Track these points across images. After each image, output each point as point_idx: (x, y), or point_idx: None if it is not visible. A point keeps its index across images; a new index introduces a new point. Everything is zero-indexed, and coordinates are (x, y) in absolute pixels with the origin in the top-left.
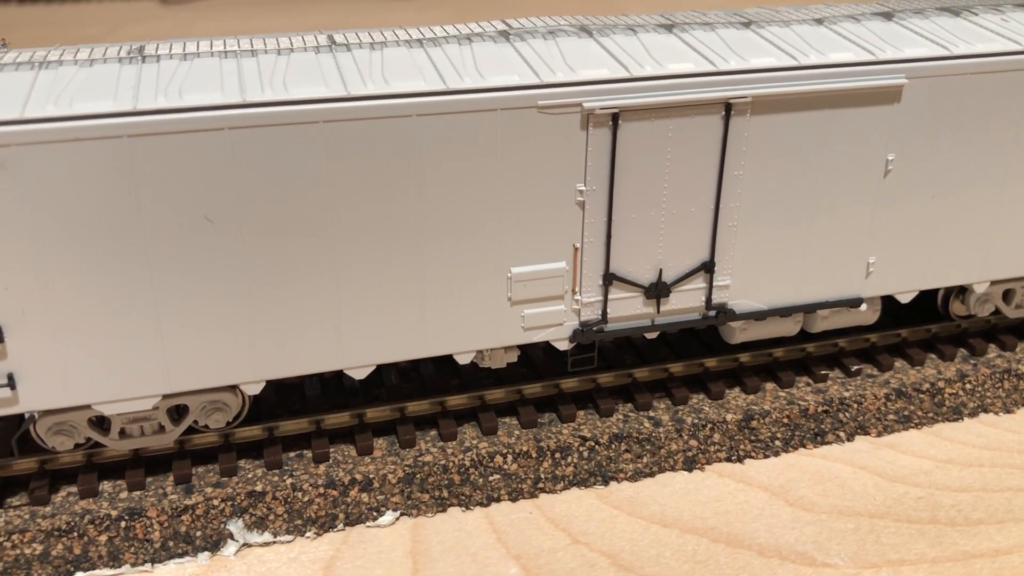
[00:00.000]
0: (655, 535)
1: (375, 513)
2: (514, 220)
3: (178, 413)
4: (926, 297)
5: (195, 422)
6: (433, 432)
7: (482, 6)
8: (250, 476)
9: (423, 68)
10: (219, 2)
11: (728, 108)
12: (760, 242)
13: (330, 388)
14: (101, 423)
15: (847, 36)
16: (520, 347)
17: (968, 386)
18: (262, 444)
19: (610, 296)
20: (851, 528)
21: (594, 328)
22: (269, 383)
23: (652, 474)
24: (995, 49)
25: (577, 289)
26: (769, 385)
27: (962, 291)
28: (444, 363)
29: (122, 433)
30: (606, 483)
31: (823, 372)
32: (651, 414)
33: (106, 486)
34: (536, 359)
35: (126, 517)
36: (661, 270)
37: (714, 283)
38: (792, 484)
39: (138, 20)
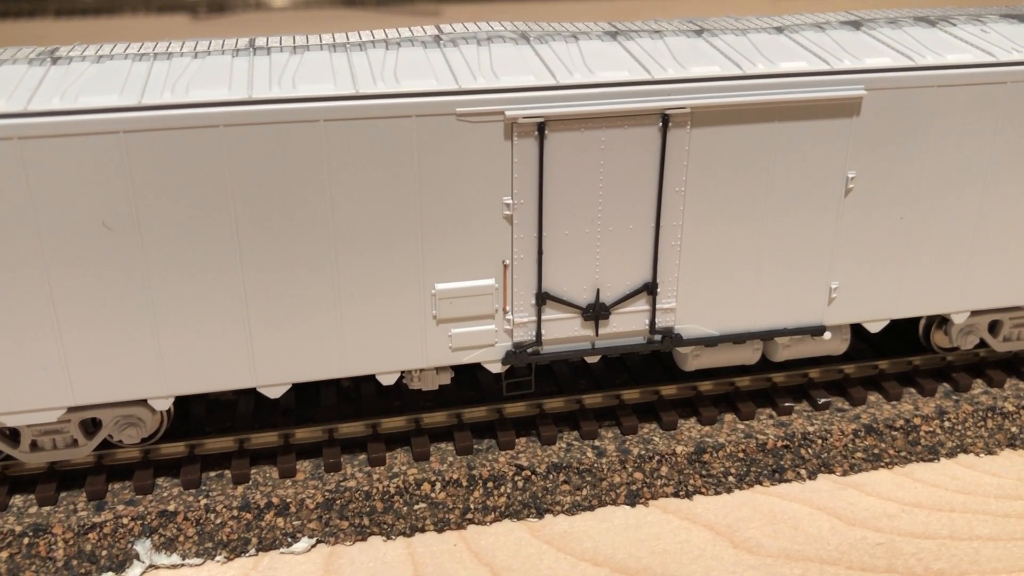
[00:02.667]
0: (582, 574)
1: (290, 539)
2: (436, 234)
3: (94, 426)
4: (910, 327)
5: (110, 436)
6: (363, 456)
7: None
8: (165, 495)
9: (338, 72)
10: (249, 16)
11: (665, 119)
12: (708, 263)
13: (264, 406)
14: (15, 436)
15: (805, 45)
16: (463, 368)
17: (947, 424)
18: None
19: (544, 316)
20: (797, 575)
21: (528, 350)
22: (199, 398)
23: (591, 508)
24: (965, 60)
25: (508, 308)
26: (728, 416)
27: (944, 321)
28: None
29: (33, 446)
30: (540, 516)
31: (787, 404)
32: (596, 443)
33: (17, 500)
34: (485, 381)
35: (30, 533)
36: (599, 290)
37: (657, 306)
38: (741, 524)
39: (169, 34)
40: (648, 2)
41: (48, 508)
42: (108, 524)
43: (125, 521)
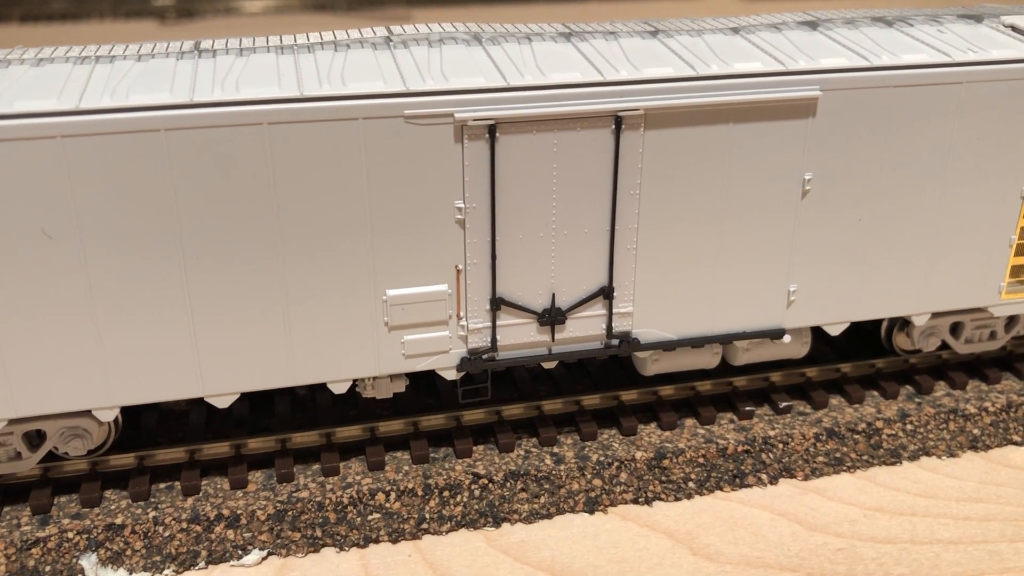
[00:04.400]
0: None
1: (240, 551)
2: (387, 239)
3: (39, 438)
4: (872, 330)
5: (55, 448)
6: (317, 466)
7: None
8: (113, 508)
9: (284, 75)
10: (218, 23)
11: (618, 121)
12: (665, 267)
13: (217, 417)
14: None
15: (760, 46)
16: (420, 375)
17: (909, 427)
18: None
19: (499, 322)
20: None
21: (483, 356)
22: (151, 408)
23: (549, 516)
24: (921, 60)
25: (462, 314)
26: (689, 421)
27: (906, 324)
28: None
29: None
30: (497, 525)
31: (748, 408)
32: (555, 450)
33: None
34: (444, 388)
35: None
36: (554, 295)
37: (614, 310)
38: (701, 530)
39: (135, 39)
40: (618, 4)
41: None
42: (52, 539)
43: (70, 535)
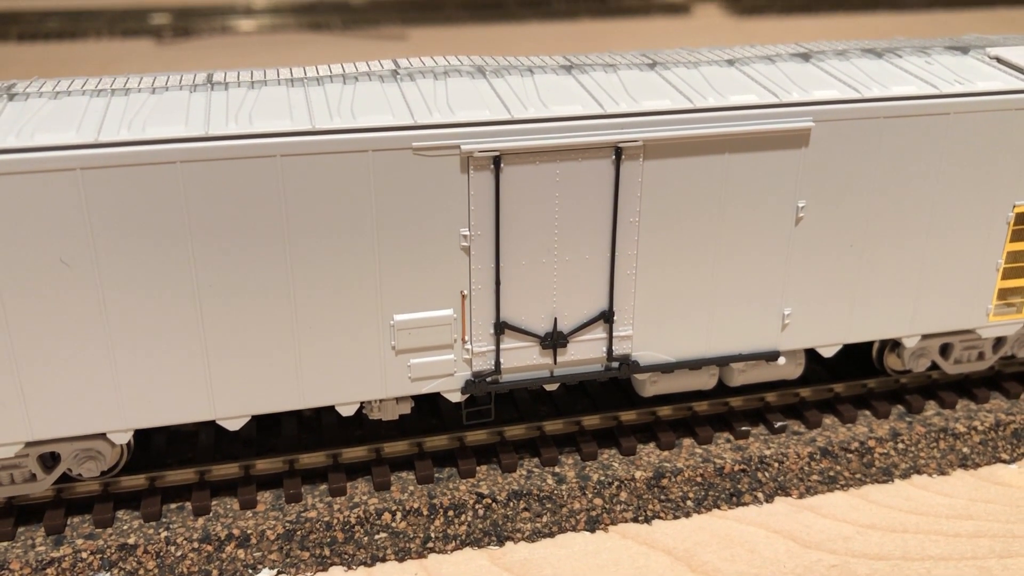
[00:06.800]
0: None
1: (250, 570)
2: (395, 266)
3: (53, 460)
4: (864, 351)
5: (69, 470)
6: (324, 486)
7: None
8: (125, 528)
9: (295, 107)
10: (214, 42)
11: (618, 152)
12: (664, 291)
13: (226, 437)
14: None
15: (754, 78)
16: (424, 397)
17: (900, 446)
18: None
19: (503, 346)
20: None
21: (487, 379)
22: (160, 430)
23: (551, 534)
24: (910, 92)
25: (467, 338)
26: (687, 441)
27: (897, 345)
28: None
29: None
30: (501, 543)
31: (744, 428)
32: (556, 470)
33: None
34: (447, 409)
35: None
36: (556, 319)
37: (614, 333)
38: (699, 548)
39: (132, 59)
40: (611, 22)
41: (6, 544)
42: (67, 559)
43: (84, 555)
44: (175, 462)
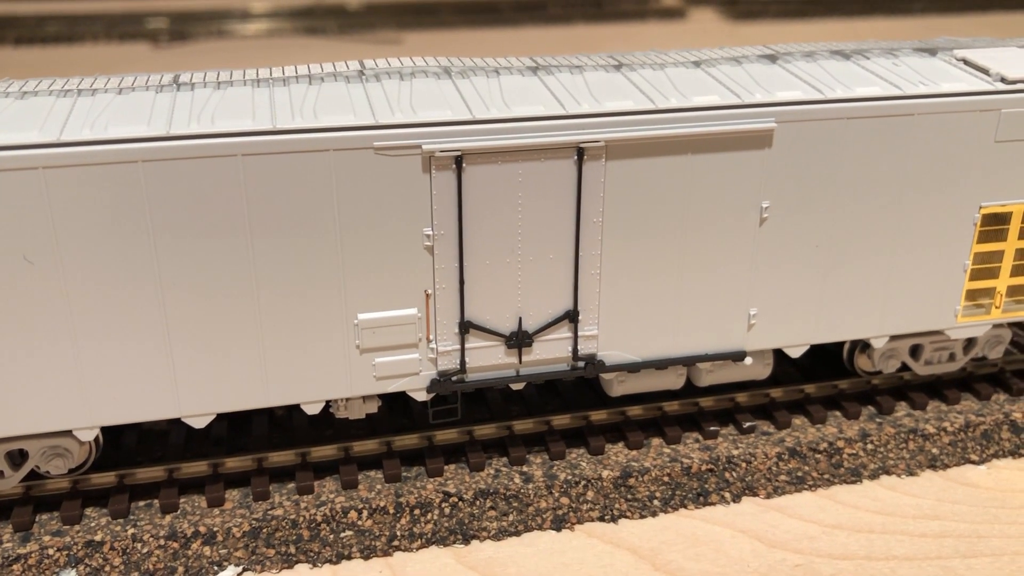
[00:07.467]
0: None
1: (216, 567)
2: (358, 265)
3: (21, 457)
4: (835, 352)
5: (37, 467)
6: (292, 484)
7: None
8: (93, 525)
9: (258, 107)
10: (210, 46)
11: (580, 152)
12: (629, 291)
13: (196, 436)
14: None
15: (719, 79)
16: (394, 396)
17: (869, 446)
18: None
19: (468, 345)
20: None
21: (453, 378)
22: (131, 428)
23: (517, 533)
24: (873, 93)
25: (432, 337)
26: (656, 441)
27: (867, 346)
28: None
29: None
30: (467, 542)
31: (713, 428)
32: (524, 469)
33: None
34: (417, 409)
35: None
36: (521, 318)
37: (579, 333)
38: (664, 547)
39: (129, 63)
40: (606, 26)
41: None
42: (33, 555)
43: (51, 552)
44: (145, 460)
